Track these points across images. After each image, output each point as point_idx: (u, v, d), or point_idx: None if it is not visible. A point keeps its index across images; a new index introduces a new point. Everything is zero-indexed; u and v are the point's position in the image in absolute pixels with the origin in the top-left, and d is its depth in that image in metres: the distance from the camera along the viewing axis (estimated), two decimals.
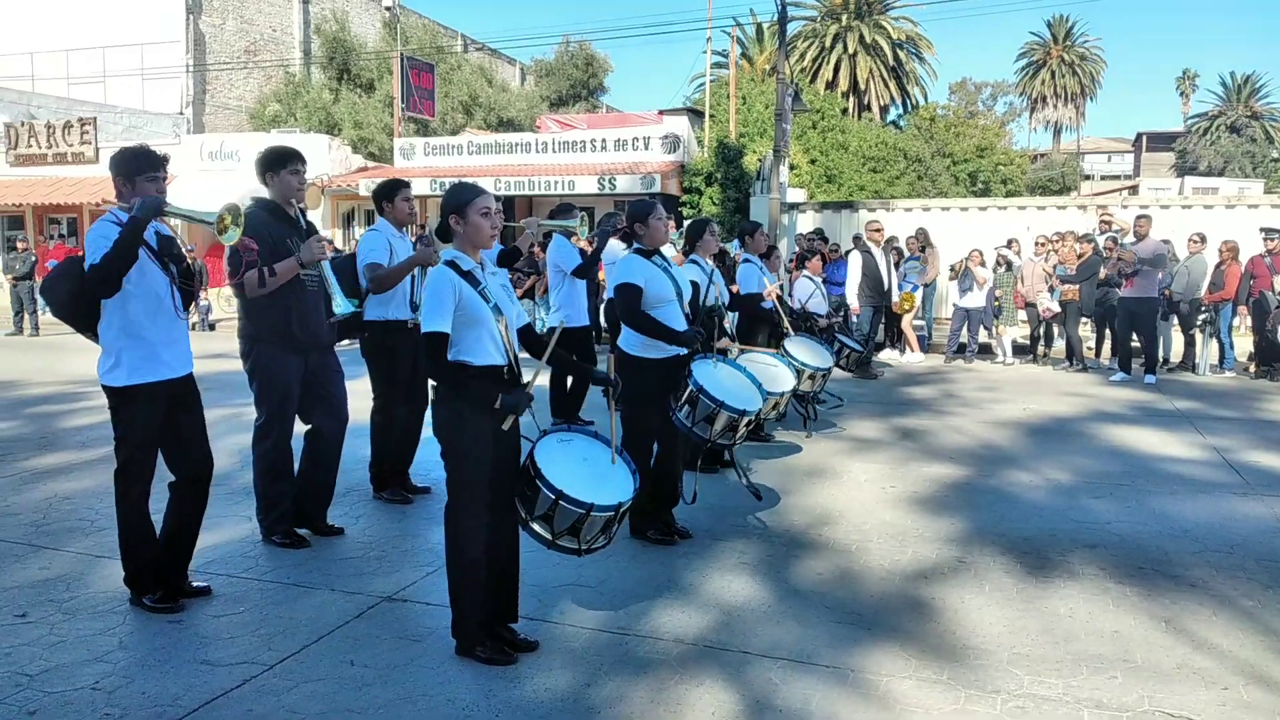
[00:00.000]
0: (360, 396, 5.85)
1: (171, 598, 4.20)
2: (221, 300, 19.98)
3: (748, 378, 5.14)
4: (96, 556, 4.86)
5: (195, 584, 4.38)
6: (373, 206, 5.89)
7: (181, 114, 27.56)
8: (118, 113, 26.04)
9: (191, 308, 4.56)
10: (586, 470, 3.69)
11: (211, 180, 21.22)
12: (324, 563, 4.82)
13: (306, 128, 26.47)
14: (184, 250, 4.36)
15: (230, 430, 7.55)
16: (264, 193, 4.87)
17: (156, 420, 4.10)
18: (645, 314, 4.79)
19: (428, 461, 6.30)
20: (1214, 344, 12.07)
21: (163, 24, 27.12)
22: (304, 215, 5.00)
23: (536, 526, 3.59)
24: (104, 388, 4.07)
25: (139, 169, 4.01)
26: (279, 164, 4.78)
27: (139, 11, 27.10)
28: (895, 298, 12.62)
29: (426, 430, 5.83)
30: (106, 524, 5.17)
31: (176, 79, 27.47)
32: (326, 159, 22.56)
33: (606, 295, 8.43)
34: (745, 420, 4.87)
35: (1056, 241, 13.34)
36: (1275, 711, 3.36)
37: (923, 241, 13.78)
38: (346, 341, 5.71)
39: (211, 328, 18.51)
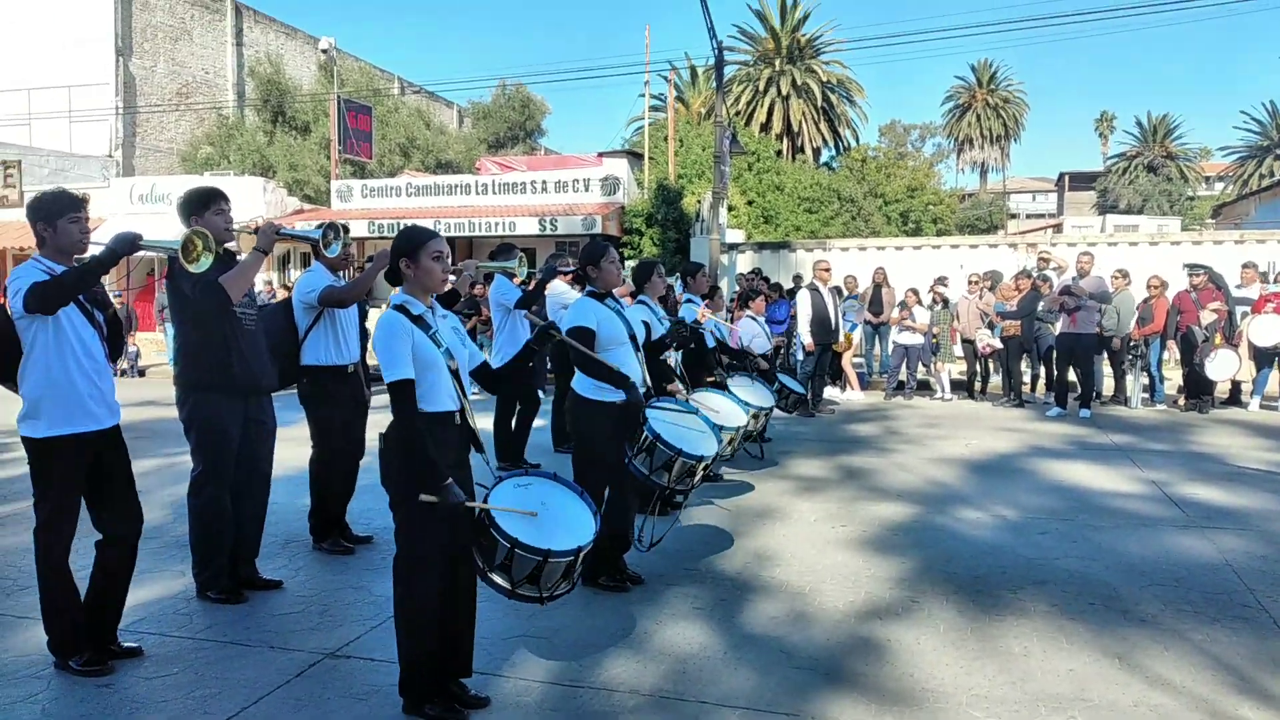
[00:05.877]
0: (300, 443, 5.69)
1: (99, 660, 3.98)
2: (151, 346, 19.48)
3: (701, 419, 5.08)
4: (16, 618, 4.61)
5: (125, 644, 4.16)
6: (308, 249, 5.73)
7: (110, 156, 26.99)
8: (43, 155, 25.40)
9: (120, 355, 4.39)
10: (544, 514, 3.58)
11: (141, 223, 20.72)
12: (262, 619, 4.62)
13: (240, 170, 26.11)
14: (110, 297, 4.20)
15: (163, 482, 7.29)
16: None
17: (80, 475, 3.91)
18: (595, 358, 4.72)
19: (368, 511, 6.14)
20: (1144, 377, 12.36)
21: (91, 66, 26.61)
22: (235, 258, 4.85)
23: (496, 577, 3.46)
24: (23, 439, 3.87)
25: (59, 211, 3.87)
26: (203, 205, 4.60)
27: (66, 53, 26.58)
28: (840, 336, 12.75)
29: (364, 477, 5.70)
30: (28, 583, 4.91)
31: (105, 121, 26.93)
32: (261, 201, 22.24)
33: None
34: (703, 465, 4.80)
35: (986, 280, 13.62)
36: None
37: (878, 281, 14.03)
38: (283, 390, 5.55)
39: (141, 374, 18.01)
